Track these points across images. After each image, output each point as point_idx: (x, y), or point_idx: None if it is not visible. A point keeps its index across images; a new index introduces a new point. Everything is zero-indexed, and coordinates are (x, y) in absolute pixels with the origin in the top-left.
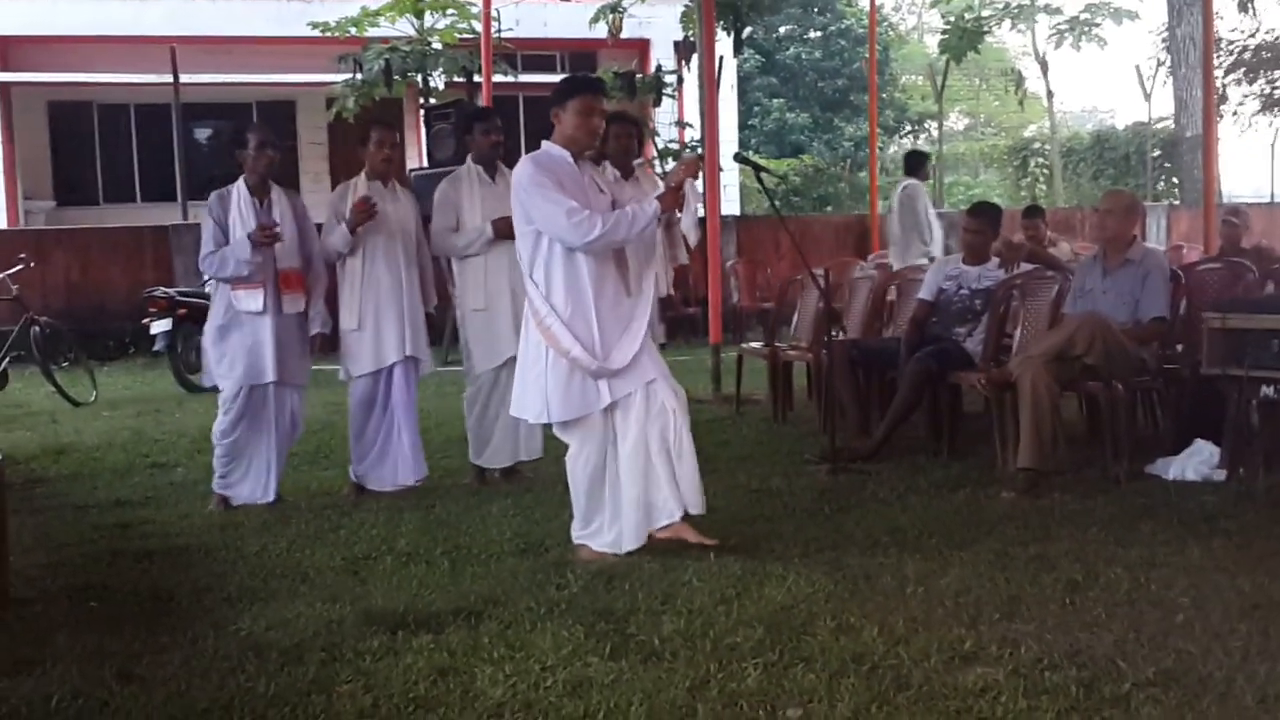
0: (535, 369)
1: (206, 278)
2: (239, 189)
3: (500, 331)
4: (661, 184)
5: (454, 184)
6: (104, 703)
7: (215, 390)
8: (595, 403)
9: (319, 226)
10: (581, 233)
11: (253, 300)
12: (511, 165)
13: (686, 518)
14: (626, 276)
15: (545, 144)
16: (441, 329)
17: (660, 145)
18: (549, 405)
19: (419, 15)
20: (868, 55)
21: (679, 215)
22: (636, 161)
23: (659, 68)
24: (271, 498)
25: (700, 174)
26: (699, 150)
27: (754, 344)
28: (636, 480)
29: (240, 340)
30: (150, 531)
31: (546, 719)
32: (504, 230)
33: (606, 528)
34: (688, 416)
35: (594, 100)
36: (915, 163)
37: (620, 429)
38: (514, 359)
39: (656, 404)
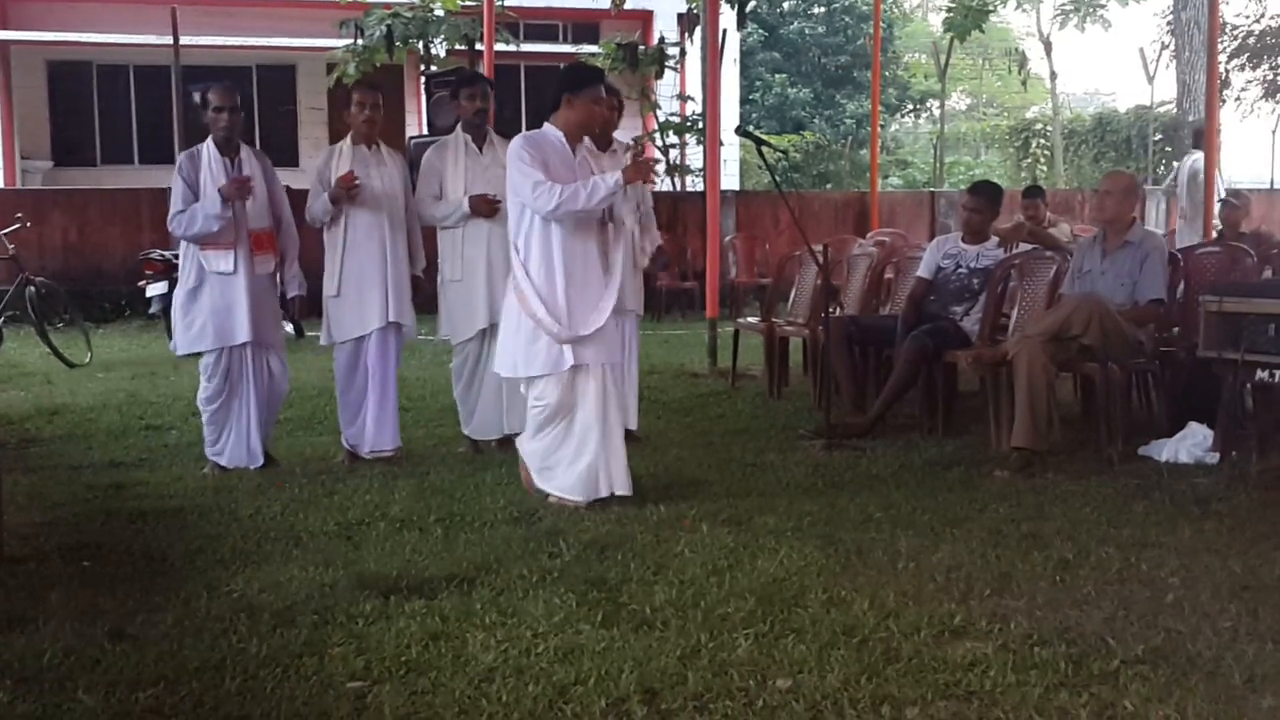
0: (509, 327)
1: (176, 237)
2: (208, 148)
3: (474, 303)
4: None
5: (439, 152)
6: (96, 660)
7: (196, 356)
8: (559, 364)
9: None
10: (543, 202)
11: (223, 260)
12: (510, 135)
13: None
14: (605, 252)
15: (546, 125)
16: (430, 293)
17: (661, 118)
18: (517, 361)
19: None
20: (871, 32)
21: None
22: (632, 138)
23: (661, 40)
24: (260, 462)
25: (652, 177)
26: (700, 124)
27: (751, 319)
28: (591, 444)
29: (211, 302)
30: (144, 493)
31: (537, 684)
32: (480, 208)
33: (561, 473)
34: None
35: (601, 90)
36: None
37: (581, 394)
38: (489, 329)
39: (614, 386)
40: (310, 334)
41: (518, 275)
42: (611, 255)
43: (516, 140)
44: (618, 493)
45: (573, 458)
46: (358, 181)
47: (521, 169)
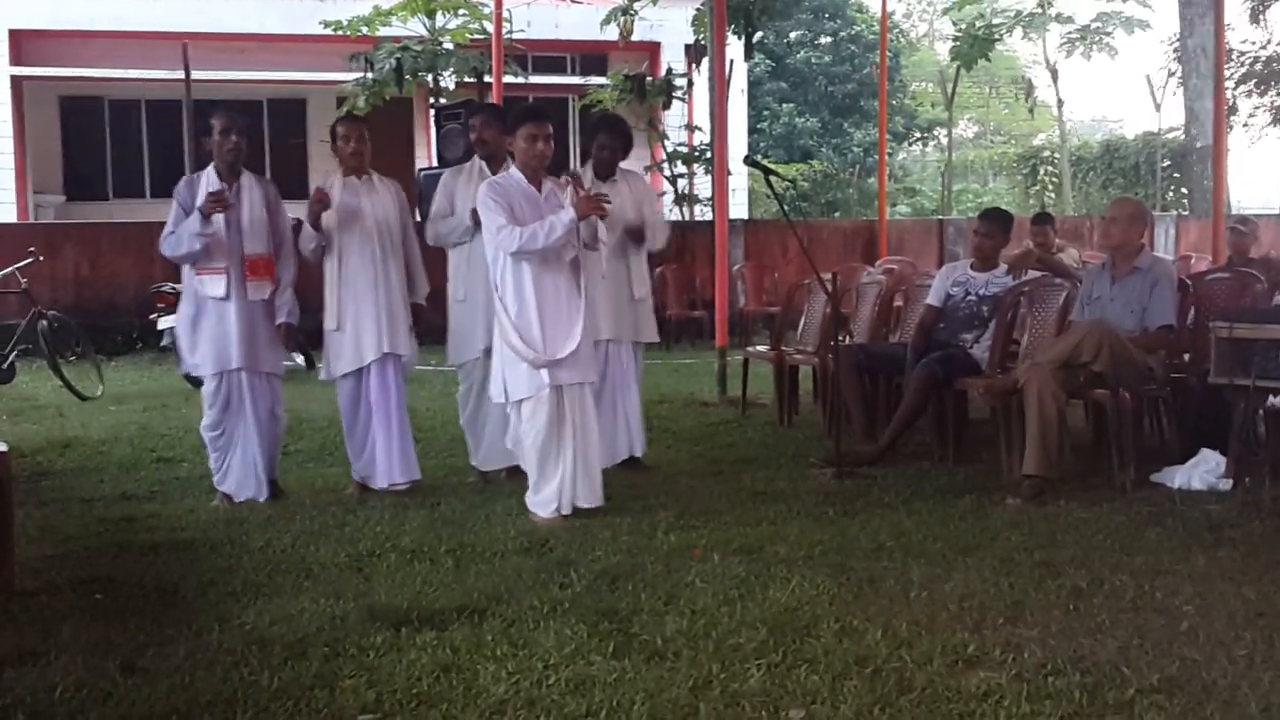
0: (497, 355)
1: (166, 257)
2: (208, 175)
3: (474, 326)
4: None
5: (455, 175)
6: (107, 694)
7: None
8: (539, 386)
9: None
10: (506, 244)
11: (215, 285)
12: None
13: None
14: (578, 282)
15: (512, 167)
16: (432, 322)
17: (669, 148)
18: (506, 386)
19: (430, 15)
20: (878, 61)
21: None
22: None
23: (669, 71)
24: (265, 494)
25: (600, 207)
26: (708, 154)
27: (760, 348)
28: (580, 453)
29: (207, 327)
30: (155, 525)
31: (549, 717)
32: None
33: (555, 494)
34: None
35: (536, 128)
36: None
37: (568, 410)
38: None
39: (589, 405)
40: (320, 365)
41: (498, 307)
42: (585, 283)
43: (483, 185)
44: (586, 505)
45: (569, 469)
46: (327, 199)
47: (486, 214)
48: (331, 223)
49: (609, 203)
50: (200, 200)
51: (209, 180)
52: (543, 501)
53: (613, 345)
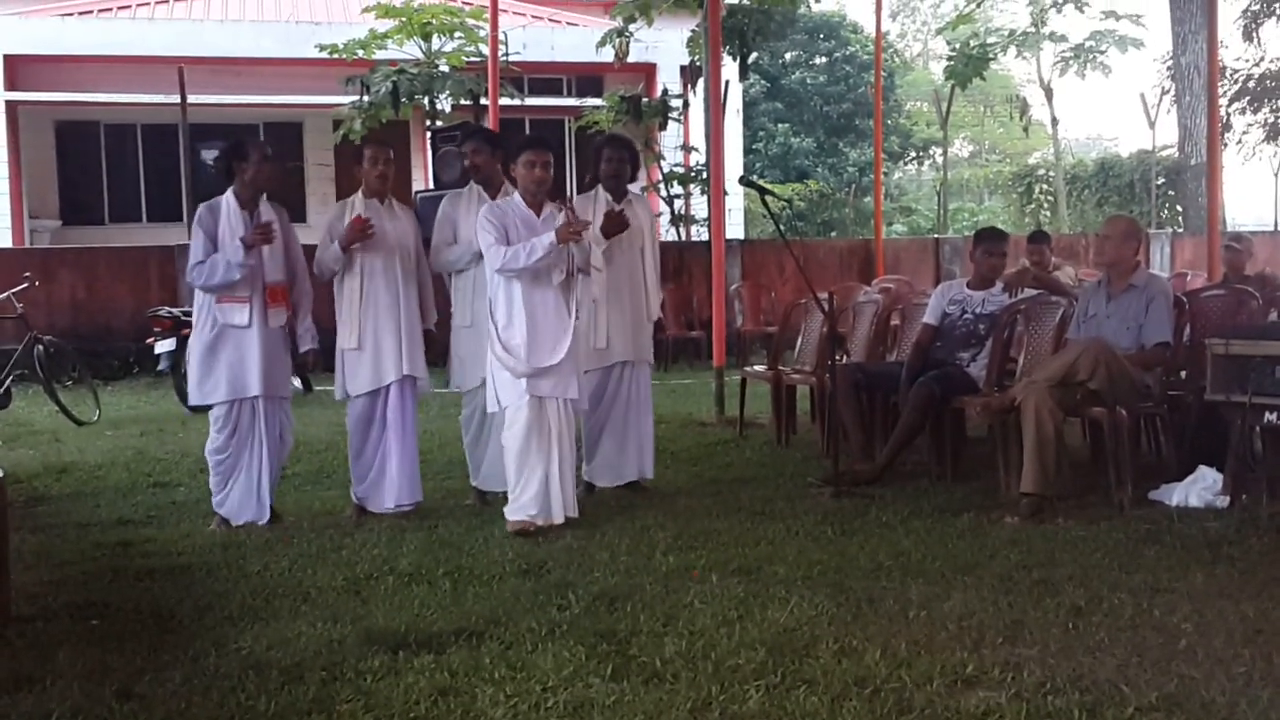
0: (489, 369)
1: (195, 288)
2: (228, 201)
3: (480, 352)
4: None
5: (454, 201)
6: None
7: (207, 410)
8: (521, 394)
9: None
10: (492, 262)
11: (239, 314)
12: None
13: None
14: (568, 302)
15: (515, 192)
16: (444, 348)
17: (666, 169)
18: (497, 395)
19: (426, 38)
20: (873, 81)
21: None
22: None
23: (665, 92)
24: (266, 516)
25: (581, 238)
26: (704, 174)
27: (758, 367)
28: (562, 466)
29: (226, 355)
30: (152, 550)
31: None
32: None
33: (533, 500)
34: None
35: (535, 155)
36: None
37: (551, 422)
38: None
39: (570, 420)
40: (320, 388)
41: (489, 322)
42: (574, 302)
43: (482, 209)
44: (570, 515)
45: (553, 479)
46: (372, 228)
47: (482, 233)
48: (358, 245)
49: (588, 225)
50: (224, 228)
51: (230, 207)
52: (519, 508)
53: (629, 367)
